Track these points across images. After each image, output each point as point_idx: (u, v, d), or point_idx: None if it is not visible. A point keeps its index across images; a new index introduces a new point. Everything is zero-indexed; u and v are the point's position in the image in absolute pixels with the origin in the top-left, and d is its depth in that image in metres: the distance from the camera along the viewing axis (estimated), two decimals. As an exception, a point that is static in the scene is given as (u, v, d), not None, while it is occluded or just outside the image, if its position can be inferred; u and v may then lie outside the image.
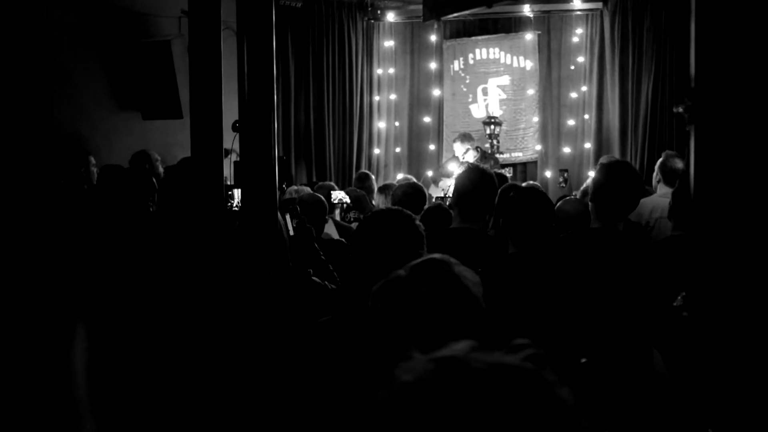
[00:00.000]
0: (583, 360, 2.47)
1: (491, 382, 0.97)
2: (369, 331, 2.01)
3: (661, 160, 6.21)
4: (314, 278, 3.76)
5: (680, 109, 1.94)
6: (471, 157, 9.59)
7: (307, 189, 6.79)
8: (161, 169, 7.35)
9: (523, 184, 8.35)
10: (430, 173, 11.33)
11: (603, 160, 9.14)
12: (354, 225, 5.91)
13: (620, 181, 4.07)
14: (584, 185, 7.60)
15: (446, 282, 1.98)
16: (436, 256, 2.07)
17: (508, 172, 9.47)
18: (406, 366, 1.01)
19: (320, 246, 4.39)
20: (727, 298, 1.90)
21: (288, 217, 3.87)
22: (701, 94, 1.87)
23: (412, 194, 5.76)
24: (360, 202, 7.01)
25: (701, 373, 1.93)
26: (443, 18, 11.67)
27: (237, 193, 3.79)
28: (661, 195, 5.84)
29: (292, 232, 3.87)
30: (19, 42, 7.98)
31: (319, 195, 5.41)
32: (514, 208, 3.98)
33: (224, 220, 3.40)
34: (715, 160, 1.92)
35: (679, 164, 5.96)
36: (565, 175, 10.23)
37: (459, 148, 9.85)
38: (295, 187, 7.19)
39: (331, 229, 5.57)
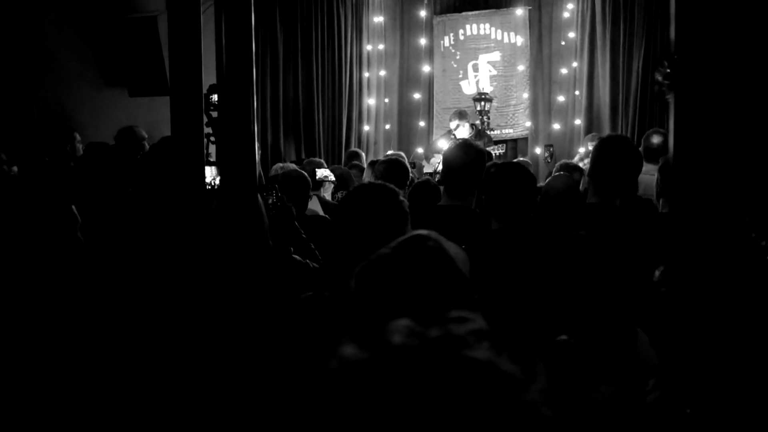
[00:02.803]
0: (563, 337, 2.44)
1: (424, 373, 0.94)
2: (349, 312, 1.97)
3: (644, 137, 6.19)
4: (295, 256, 3.72)
5: (660, 78, 1.89)
6: (464, 133, 9.52)
7: (293, 166, 6.74)
8: (147, 148, 7.26)
9: (514, 161, 8.32)
10: (420, 150, 11.29)
11: (589, 138, 9.11)
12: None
13: (618, 157, 4.01)
14: (562, 161, 7.55)
15: (434, 257, 1.93)
16: (422, 232, 2.02)
17: (500, 149, 9.41)
18: (339, 356, 0.98)
19: (304, 222, 4.35)
20: (706, 273, 1.87)
21: (267, 196, 3.81)
22: (682, 59, 1.82)
23: (394, 168, 5.70)
24: (345, 179, 6.96)
25: (678, 352, 1.91)
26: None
27: (209, 171, 3.73)
28: (643, 171, 5.81)
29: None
30: (2, 18, 7.89)
31: (303, 171, 5.35)
32: (495, 184, 3.94)
33: (201, 200, 3.34)
34: (695, 131, 1.87)
35: (655, 140, 5.92)
36: (551, 150, 10.19)
37: (452, 124, 9.79)
38: (281, 165, 7.13)
39: (316, 206, 5.53)
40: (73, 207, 3.29)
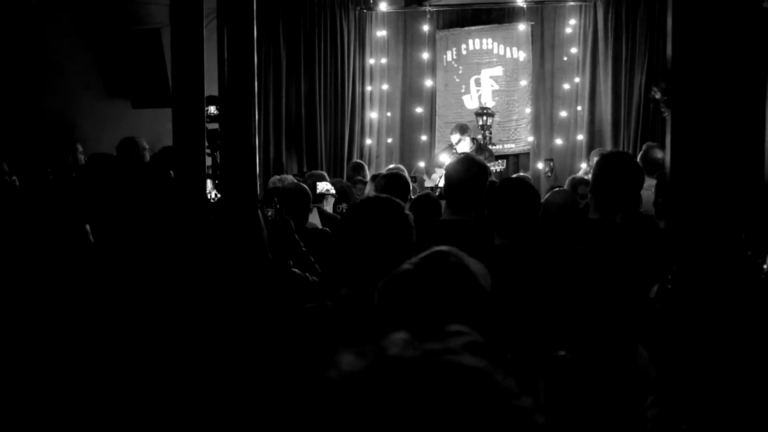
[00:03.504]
0: (561, 353, 2.44)
1: (421, 381, 0.94)
2: (369, 326, 1.97)
3: (642, 151, 6.18)
4: (294, 270, 3.71)
5: (657, 95, 1.90)
6: (465, 147, 9.53)
7: (290, 178, 6.74)
8: (148, 159, 7.28)
9: (513, 176, 8.32)
10: (422, 164, 11.29)
11: (595, 153, 9.11)
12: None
13: (619, 173, 4.01)
14: (570, 177, 7.55)
15: (456, 274, 1.93)
16: (444, 248, 2.02)
17: (500, 165, 9.41)
18: (336, 367, 0.98)
19: (304, 235, 4.34)
20: (702, 290, 1.87)
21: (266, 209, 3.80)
22: (678, 76, 1.82)
23: (395, 183, 5.69)
24: (345, 193, 6.97)
25: (675, 367, 1.90)
26: (431, 4, 11.66)
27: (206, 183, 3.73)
28: (644, 187, 5.80)
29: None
30: (6, 29, 7.92)
31: (303, 184, 5.36)
32: (499, 199, 3.92)
33: (200, 212, 3.34)
34: (692, 147, 1.87)
35: (659, 154, 5.92)
36: (551, 164, 10.18)
37: (453, 138, 9.79)
38: (278, 177, 7.14)
39: (315, 219, 5.52)
40: (87, 227, 3.29)
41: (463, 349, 1.01)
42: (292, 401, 2.32)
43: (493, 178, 7.12)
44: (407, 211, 2.74)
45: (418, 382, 0.94)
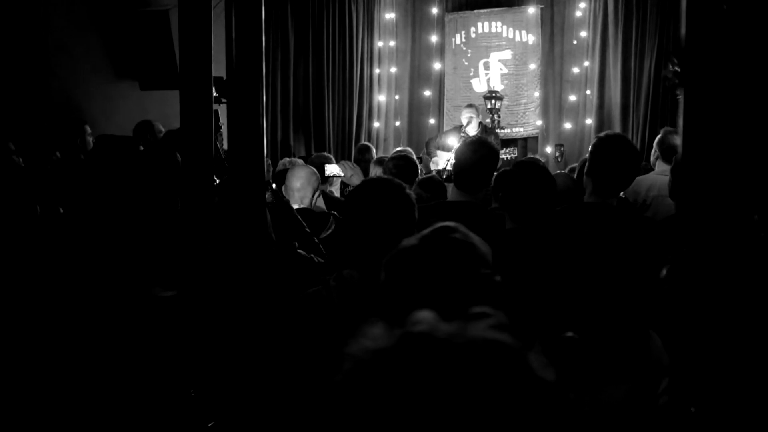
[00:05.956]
0: (569, 334, 2.42)
1: (457, 356, 0.93)
2: (375, 303, 1.96)
3: (659, 136, 6.11)
4: (300, 251, 3.71)
5: (669, 74, 1.87)
6: (473, 128, 9.45)
7: (300, 162, 6.74)
8: (159, 141, 7.25)
9: (525, 158, 8.27)
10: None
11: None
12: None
13: (616, 156, 3.96)
14: (578, 163, 7.51)
15: (461, 250, 1.93)
16: (450, 223, 2.02)
17: (512, 152, 9.38)
18: (363, 343, 0.97)
19: (309, 218, 4.33)
20: (713, 273, 1.85)
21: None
22: (692, 55, 1.79)
23: (404, 166, 5.67)
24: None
25: (686, 352, 1.89)
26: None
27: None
28: (658, 172, 5.76)
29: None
30: (14, 9, 7.90)
31: (311, 167, 5.34)
32: (512, 183, 3.89)
33: (208, 195, 3.33)
34: (705, 128, 1.85)
35: (678, 140, 5.85)
36: (561, 149, 10.15)
37: (466, 113, 9.60)
38: (288, 159, 7.14)
39: (320, 202, 5.51)
40: (37, 207, 3.31)
41: (488, 330, 1.00)
42: (308, 382, 2.32)
43: (505, 165, 7.08)
44: (408, 191, 2.76)
45: (450, 358, 0.93)
